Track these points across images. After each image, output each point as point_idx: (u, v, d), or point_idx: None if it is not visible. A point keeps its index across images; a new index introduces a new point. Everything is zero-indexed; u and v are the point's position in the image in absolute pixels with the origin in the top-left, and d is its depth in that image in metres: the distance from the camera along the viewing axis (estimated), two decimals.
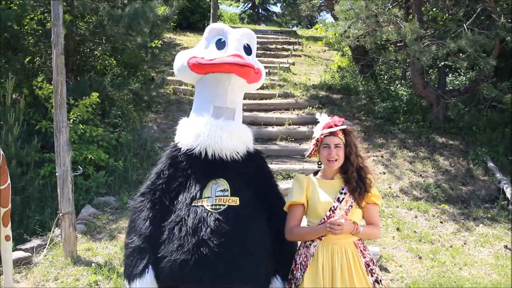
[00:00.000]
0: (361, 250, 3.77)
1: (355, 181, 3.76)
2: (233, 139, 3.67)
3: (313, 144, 3.92)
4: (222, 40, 3.81)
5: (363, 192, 3.75)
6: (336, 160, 3.78)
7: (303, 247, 3.86)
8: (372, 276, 3.73)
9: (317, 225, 3.74)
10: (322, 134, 3.83)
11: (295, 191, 3.87)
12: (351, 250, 3.73)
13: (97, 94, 9.68)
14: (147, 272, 3.50)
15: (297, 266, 3.84)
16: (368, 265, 3.75)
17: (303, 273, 3.76)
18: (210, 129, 3.63)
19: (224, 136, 3.63)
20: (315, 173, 4.00)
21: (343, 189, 3.77)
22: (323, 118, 3.95)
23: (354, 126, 3.72)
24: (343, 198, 3.74)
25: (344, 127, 3.82)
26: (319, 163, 3.96)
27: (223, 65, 3.63)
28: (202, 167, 3.67)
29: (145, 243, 3.56)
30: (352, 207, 3.75)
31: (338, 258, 3.68)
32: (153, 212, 3.64)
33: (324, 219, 3.72)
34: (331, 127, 3.82)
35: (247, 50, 3.87)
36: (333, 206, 3.72)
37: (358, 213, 3.81)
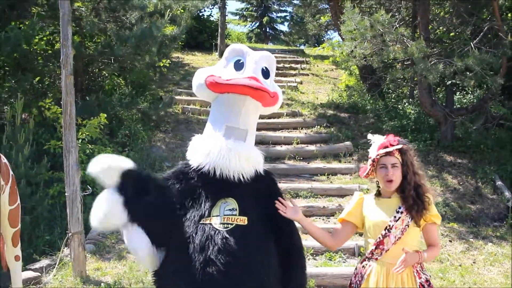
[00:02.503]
0: (417, 270, 3.76)
1: (412, 199, 3.74)
2: (242, 161, 3.62)
3: (370, 165, 3.92)
4: (241, 61, 3.81)
5: (421, 210, 3.73)
6: (393, 180, 3.78)
7: (360, 266, 3.93)
8: None
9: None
10: (378, 155, 3.84)
11: (348, 208, 4.02)
12: (406, 271, 3.71)
13: (105, 115, 9.72)
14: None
15: (352, 285, 3.92)
16: (423, 286, 3.73)
17: None
18: (220, 149, 3.60)
19: (233, 157, 3.58)
20: (377, 192, 3.99)
21: (400, 207, 3.76)
22: (378, 138, 3.96)
23: (409, 145, 3.70)
24: (399, 217, 3.74)
25: (399, 146, 3.82)
26: (378, 183, 3.96)
27: (238, 86, 3.62)
28: (212, 185, 3.64)
29: None
30: (408, 226, 3.73)
31: (393, 278, 3.69)
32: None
33: (379, 238, 3.76)
34: (386, 147, 3.82)
35: (265, 73, 3.87)
36: (389, 225, 3.74)
37: (415, 232, 3.79)
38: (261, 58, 3.87)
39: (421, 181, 3.86)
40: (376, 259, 3.79)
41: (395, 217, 3.74)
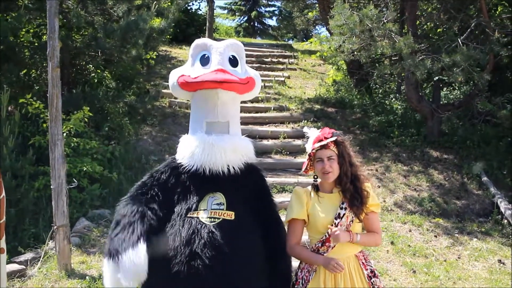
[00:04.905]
0: (362, 262, 3.78)
1: (350, 193, 3.73)
2: (227, 154, 3.64)
3: (307, 160, 3.91)
4: (206, 55, 3.82)
5: (360, 205, 3.72)
6: (330, 172, 3.75)
7: (305, 262, 3.88)
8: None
9: (316, 255, 3.74)
10: (313, 149, 3.82)
11: (294, 206, 3.86)
12: (353, 264, 3.73)
13: (88, 108, 9.64)
14: (140, 243, 3.41)
15: (298, 280, 3.85)
16: (370, 277, 3.75)
17: (305, 287, 3.78)
18: (204, 147, 3.62)
19: (217, 153, 3.61)
20: (315, 187, 3.94)
21: (343, 203, 3.75)
22: (312, 132, 3.94)
23: (345, 136, 3.70)
24: (343, 214, 3.72)
25: (333, 138, 3.80)
26: (315, 177, 3.94)
27: (206, 83, 3.63)
28: (200, 180, 3.66)
29: (135, 218, 3.55)
30: (353, 221, 3.74)
31: (341, 273, 3.67)
32: (142, 208, 3.65)
33: (325, 236, 3.71)
34: (321, 140, 3.79)
35: (233, 62, 3.86)
36: (334, 224, 3.70)
37: (359, 226, 3.82)
38: (226, 47, 3.86)
39: (358, 172, 3.85)
40: (323, 255, 3.75)
41: (339, 213, 3.73)
